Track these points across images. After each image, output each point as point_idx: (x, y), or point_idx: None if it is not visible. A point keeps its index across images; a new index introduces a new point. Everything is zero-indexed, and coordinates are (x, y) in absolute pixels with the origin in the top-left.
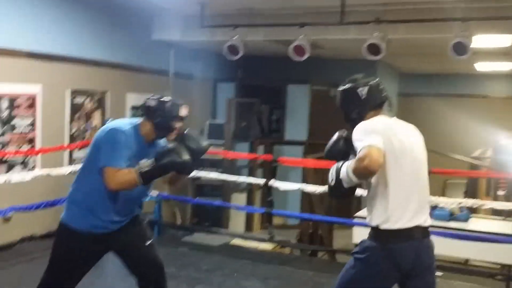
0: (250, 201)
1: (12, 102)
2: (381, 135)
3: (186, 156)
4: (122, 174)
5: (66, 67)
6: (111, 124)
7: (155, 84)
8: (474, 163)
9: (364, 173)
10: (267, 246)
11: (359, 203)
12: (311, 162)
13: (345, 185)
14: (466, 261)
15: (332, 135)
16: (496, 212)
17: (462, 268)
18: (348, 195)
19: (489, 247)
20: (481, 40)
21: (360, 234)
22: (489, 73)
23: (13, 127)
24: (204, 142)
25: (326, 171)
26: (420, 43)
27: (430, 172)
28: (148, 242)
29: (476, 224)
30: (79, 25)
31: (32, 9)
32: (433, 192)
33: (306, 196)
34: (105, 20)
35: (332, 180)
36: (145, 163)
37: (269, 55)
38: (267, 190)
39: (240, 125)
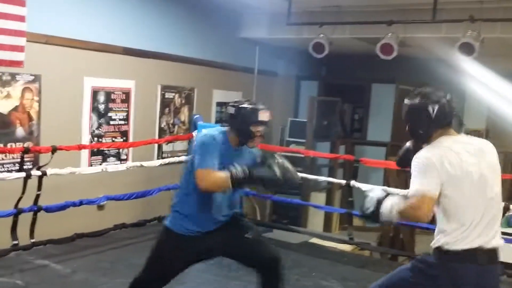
0: (329, 201)
1: (109, 96)
2: (438, 169)
3: (279, 174)
4: (215, 175)
5: (158, 63)
6: (203, 132)
7: (240, 81)
8: None
9: (413, 220)
10: (346, 247)
11: None
12: (393, 164)
13: (383, 218)
14: None
15: None
16: None
17: None
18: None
19: None
20: None
21: None
22: None
23: (109, 120)
24: (294, 173)
25: (409, 173)
26: None
27: None
28: (249, 234)
29: None
30: (171, 23)
31: (128, 8)
32: None
33: None
34: (195, 18)
35: (369, 208)
36: (239, 170)
37: (354, 53)
38: (348, 190)
39: (322, 123)
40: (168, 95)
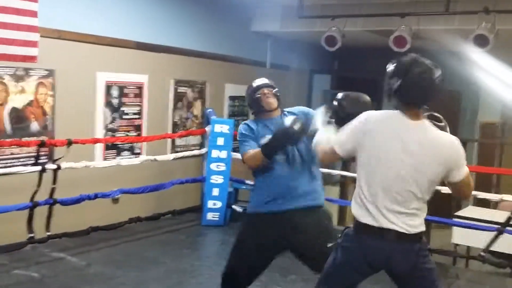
0: (343, 194)
1: (122, 90)
2: (357, 136)
3: (294, 126)
4: (248, 154)
5: (170, 58)
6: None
7: (252, 75)
8: None
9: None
10: None
11: (459, 202)
12: None
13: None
14: None
15: None
16: None
17: None
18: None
19: None
20: None
21: (460, 234)
22: None
23: (122, 114)
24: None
25: None
26: None
27: None
28: (331, 244)
29: None
30: (183, 18)
31: (141, 2)
32: None
33: None
34: (207, 12)
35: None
36: (265, 139)
37: (367, 46)
38: None
39: None
40: (181, 89)
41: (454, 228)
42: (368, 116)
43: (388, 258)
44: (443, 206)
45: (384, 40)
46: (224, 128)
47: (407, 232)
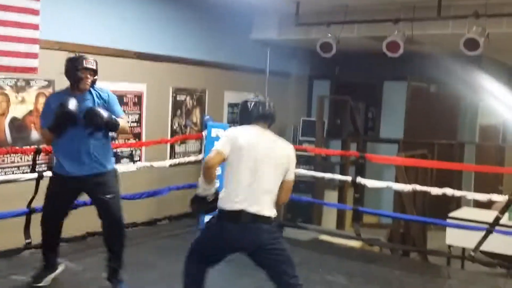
0: (341, 199)
1: (121, 99)
2: (231, 140)
3: (68, 108)
4: (42, 131)
5: (169, 66)
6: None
7: (251, 82)
8: None
9: (205, 168)
10: (355, 243)
11: (459, 203)
12: (400, 160)
13: (202, 193)
14: None
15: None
16: None
17: None
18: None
19: None
20: None
21: (454, 235)
22: None
23: None
24: (105, 115)
25: (419, 169)
26: None
27: None
28: (108, 196)
29: None
30: (182, 27)
31: (140, 12)
32: None
33: (398, 195)
34: (206, 21)
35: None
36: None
37: (366, 51)
38: (356, 187)
39: (335, 122)
40: (180, 97)
41: (448, 229)
42: (233, 129)
43: (242, 236)
44: (440, 207)
45: (379, 45)
46: (221, 133)
47: (259, 215)
